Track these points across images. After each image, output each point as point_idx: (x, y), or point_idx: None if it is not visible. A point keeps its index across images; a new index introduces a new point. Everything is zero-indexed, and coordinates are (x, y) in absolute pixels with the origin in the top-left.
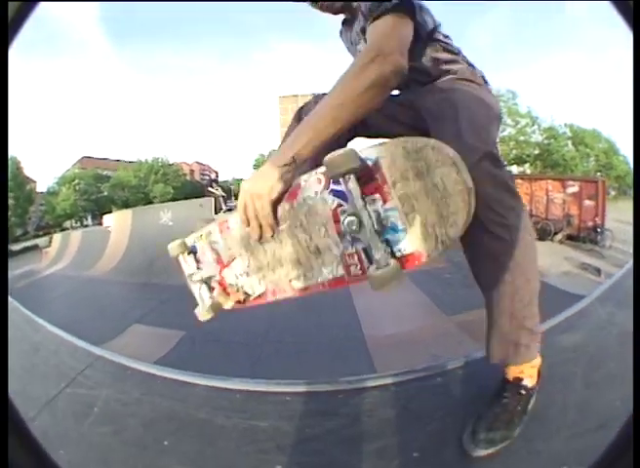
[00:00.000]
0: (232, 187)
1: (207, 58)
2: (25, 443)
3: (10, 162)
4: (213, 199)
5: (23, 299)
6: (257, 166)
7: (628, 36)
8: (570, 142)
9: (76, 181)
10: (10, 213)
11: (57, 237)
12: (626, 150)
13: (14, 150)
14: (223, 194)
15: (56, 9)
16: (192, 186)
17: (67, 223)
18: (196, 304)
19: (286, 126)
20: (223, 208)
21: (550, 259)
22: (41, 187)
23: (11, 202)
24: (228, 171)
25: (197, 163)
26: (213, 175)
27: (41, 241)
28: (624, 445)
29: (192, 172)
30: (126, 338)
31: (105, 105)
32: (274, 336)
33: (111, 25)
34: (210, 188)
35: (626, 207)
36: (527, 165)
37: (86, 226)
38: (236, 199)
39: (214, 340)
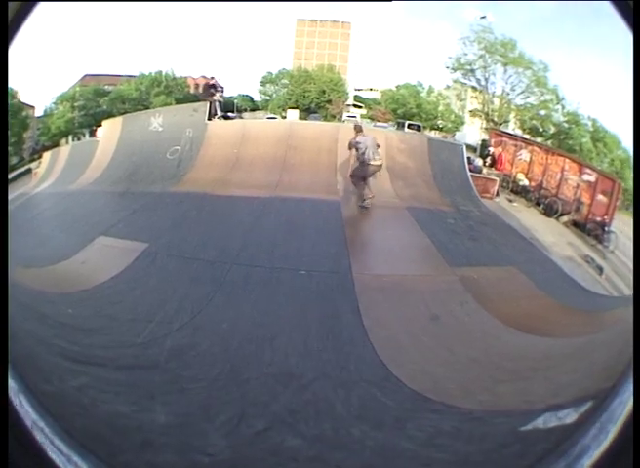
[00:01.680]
0: (235, 102)
1: None
2: (26, 443)
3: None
4: (208, 103)
5: (15, 219)
6: (263, 83)
7: (628, 36)
8: (589, 136)
9: (76, 98)
10: None
11: (46, 155)
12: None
13: (11, 79)
14: (220, 99)
15: None
16: (196, 99)
17: (64, 141)
18: None
19: (301, 48)
20: (219, 113)
21: (554, 238)
22: (40, 112)
23: None
24: (235, 87)
25: (203, 77)
26: (213, 82)
27: (34, 163)
28: (624, 445)
29: (197, 85)
30: (88, 252)
31: (108, 21)
32: (245, 259)
33: None
34: (211, 90)
35: (629, 219)
36: (540, 139)
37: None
38: (238, 112)
39: (177, 256)
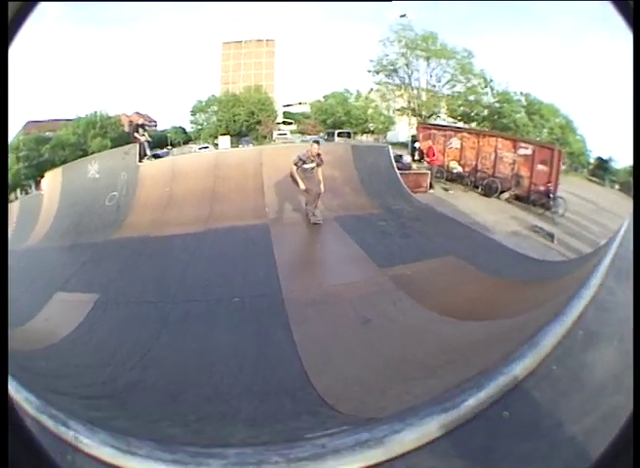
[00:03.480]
0: (169, 135)
1: (141, 7)
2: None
3: None
4: (138, 145)
5: None
6: (193, 112)
7: (628, 36)
8: (524, 111)
9: (20, 148)
10: None
11: None
12: (585, 131)
13: None
14: (149, 139)
15: None
16: (130, 138)
17: (12, 196)
18: None
19: (227, 71)
20: (148, 154)
21: (497, 217)
22: None
23: None
24: (168, 119)
25: (137, 113)
26: (141, 122)
27: None
28: (624, 445)
29: (131, 122)
30: (50, 309)
31: (43, 64)
32: (183, 295)
33: None
34: (135, 134)
35: (578, 181)
36: (474, 124)
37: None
38: (172, 146)
39: (125, 302)
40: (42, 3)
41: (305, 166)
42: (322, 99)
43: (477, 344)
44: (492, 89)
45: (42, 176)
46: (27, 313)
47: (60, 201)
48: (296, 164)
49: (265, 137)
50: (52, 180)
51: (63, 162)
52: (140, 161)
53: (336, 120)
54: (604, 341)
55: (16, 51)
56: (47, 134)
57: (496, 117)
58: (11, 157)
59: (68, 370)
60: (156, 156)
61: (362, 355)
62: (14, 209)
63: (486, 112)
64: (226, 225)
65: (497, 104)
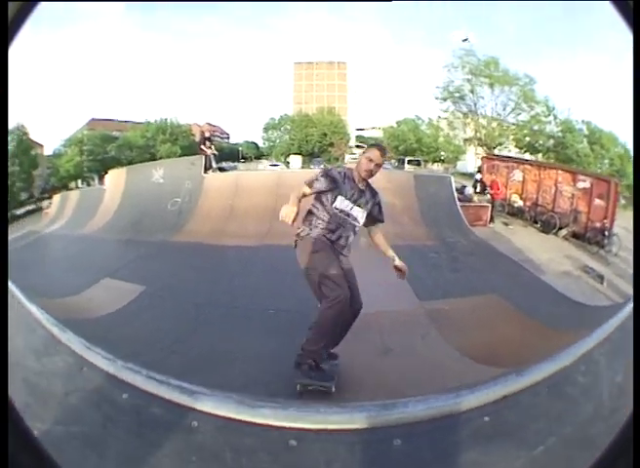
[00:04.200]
0: (240, 149)
1: (222, 23)
2: (25, 442)
3: (17, 129)
4: (204, 157)
5: (17, 260)
6: (266, 129)
7: (628, 36)
8: (585, 140)
9: (84, 142)
10: (14, 178)
11: (56, 197)
12: None
13: (22, 116)
14: (215, 152)
15: None
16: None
17: (73, 184)
18: None
19: (300, 91)
20: (214, 166)
21: (551, 255)
22: (49, 151)
23: (16, 168)
24: (240, 133)
25: (208, 124)
26: (208, 135)
27: (45, 203)
28: (624, 445)
29: (202, 132)
30: (94, 291)
31: (117, 68)
32: (226, 301)
33: None
34: (202, 146)
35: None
36: (540, 155)
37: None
38: (244, 160)
39: (168, 298)
40: (42, 3)
41: (341, 203)
42: (395, 125)
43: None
44: (555, 117)
45: (106, 172)
46: (71, 290)
47: (121, 198)
48: (310, 185)
49: (338, 160)
50: (116, 178)
51: (130, 162)
52: (205, 172)
53: (407, 147)
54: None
55: (89, 52)
56: (114, 133)
57: (559, 148)
58: (73, 149)
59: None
60: (221, 169)
61: (369, 382)
62: (72, 197)
63: (551, 142)
64: (282, 243)
65: (560, 134)
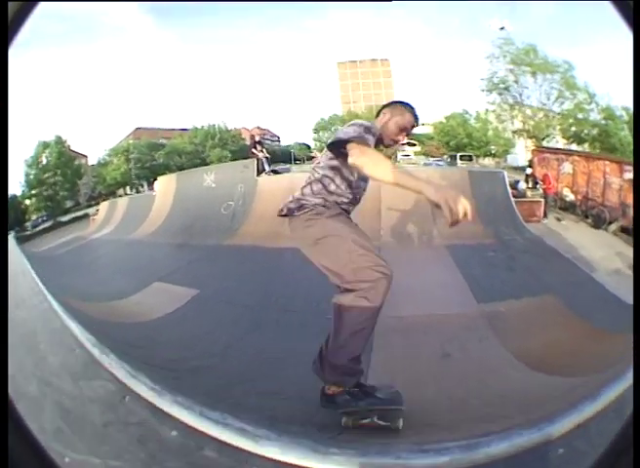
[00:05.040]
0: (293, 151)
1: (258, 27)
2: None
3: (55, 141)
4: (255, 160)
5: (64, 264)
6: (316, 130)
7: (628, 36)
8: (626, 126)
9: (130, 150)
10: (57, 188)
11: (104, 204)
12: None
13: (61, 128)
14: (267, 155)
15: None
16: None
17: (121, 191)
18: None
19: (347, 91)
20: (267, 169)
21: (603, 252)
22: (93, 161)
23: (58, 178)
24: (291, 135)
25: (258, 128)
26: (258, 139)
27: (91, 210)
28: (625, 444)
29: (252, 136)
30: (145, 295)
31: (158, 77)
32: (281, 305)
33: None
34: (253, 149)
35: None
36: (586, 145)
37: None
38: (297, 162)
39: (224, 301)
40: (42, 3)
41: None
42: (444, 120)
43: (527, 401)
44: (597, 104)
45: (155, 179)
46: (120, 293)
47: (172, 204)
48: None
49: (390, 158)
50: (166, 184)
51: (180, 168)
52: (257, 175)
53: (458, 142)
54: None
55: (128, 64)
56: (160, 140)
57: (603, 136)
58: (120, 158)
59: (144, 343)
60: (275, 172)
61: (429, 386)
62: (121, 203)
63: (595, 131)
64: None
65: (602, 121)
